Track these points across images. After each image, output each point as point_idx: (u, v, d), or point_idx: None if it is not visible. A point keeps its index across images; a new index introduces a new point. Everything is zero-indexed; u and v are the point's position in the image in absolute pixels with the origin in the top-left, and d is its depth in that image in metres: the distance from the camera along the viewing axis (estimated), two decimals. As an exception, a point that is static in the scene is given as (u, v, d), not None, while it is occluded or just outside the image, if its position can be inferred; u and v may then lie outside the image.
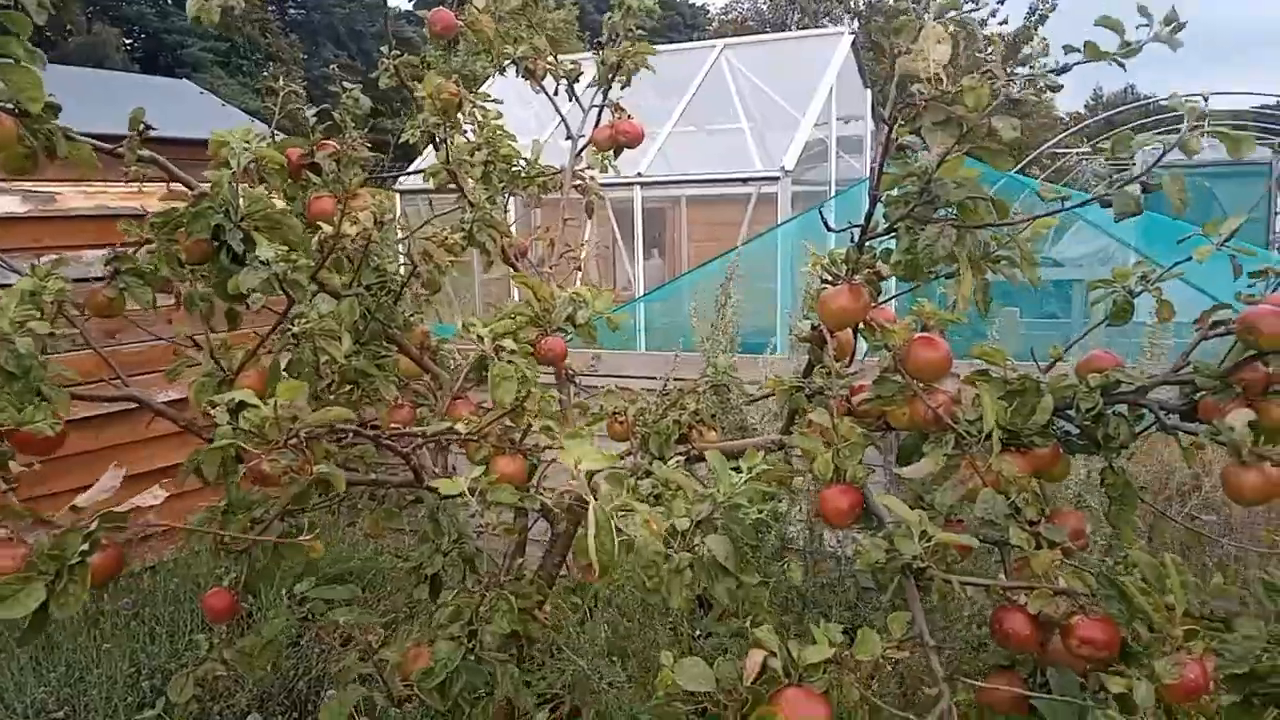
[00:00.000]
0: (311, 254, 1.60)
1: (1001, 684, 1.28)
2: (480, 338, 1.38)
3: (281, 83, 2.02)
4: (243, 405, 1.28)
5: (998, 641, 1.20)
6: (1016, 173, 7.05)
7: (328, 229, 1.54)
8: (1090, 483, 2.79)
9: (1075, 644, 1.13)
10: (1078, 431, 1.63)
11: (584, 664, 1.87)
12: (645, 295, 6.02)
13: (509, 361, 1.36)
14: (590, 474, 1.05)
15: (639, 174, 7.43)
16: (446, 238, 1.76)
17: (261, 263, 1.52)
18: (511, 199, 2.44)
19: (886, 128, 1.29)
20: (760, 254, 5.82)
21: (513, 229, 2.44)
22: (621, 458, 2.16)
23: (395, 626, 1.68)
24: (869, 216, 1.44)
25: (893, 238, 1.45)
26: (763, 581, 1.55)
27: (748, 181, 7.02)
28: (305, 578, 1.89)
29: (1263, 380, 1.43)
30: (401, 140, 2.09)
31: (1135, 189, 1.24)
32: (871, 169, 1.42)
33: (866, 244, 1.49)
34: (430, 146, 2.20)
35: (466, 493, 1.39)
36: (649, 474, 1.58)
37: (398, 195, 8.17)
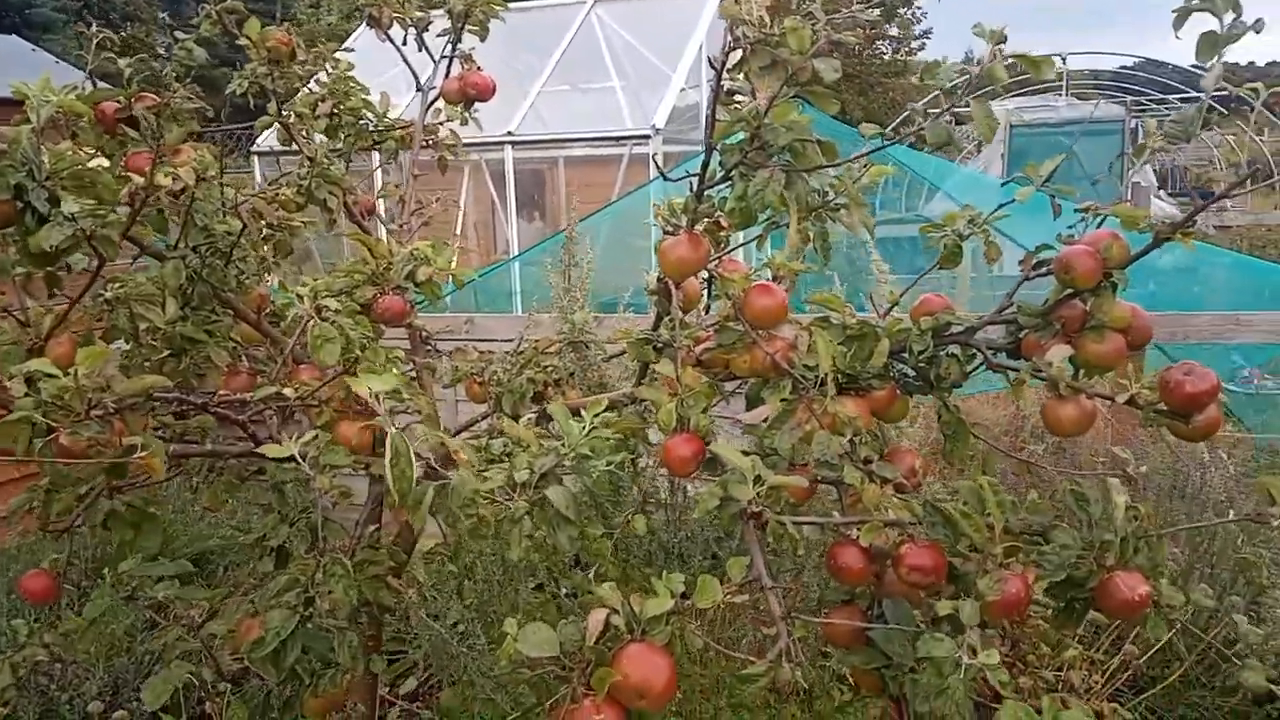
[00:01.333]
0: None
1: (842, 618, 1.32)
2: (300, 297, 1.32)
3: (95, 28, 1.87)
4: (42, 375, 1.19)
5: (833, 576, 1.23)
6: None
7: (138, 180, 1.44)
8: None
9: (905, 572, 1.17)
10: (914, 373, 1.68)
11: (443, 630, 1.84)
12: (517, 256, 5.92)
13: (331, 322, 1.30)
14: (380, 395, 1.01)
15: (509, 133, 7.28)
16: (277, 194, 1.67)
17: (66, 218, 1.41)
18: (389, 160, 2.34)
19: (715, 73, 1.28)
20: (632, 212, 5.81)
21: (382, 188, 2.35)
22: (480, 419, 2.13)
23: (226, 601, 1.62)
24: (705, 165, 1.44)
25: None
26: (607, 533, 1.55)
27: (620, 141, 6.97)
28: (160, 558, 1.80)
29: (1079, 317, 1.50)
30: (229, 91, 1.97)
31: (948, 120, 1.26)
32: (707, 117, 1.41)
33: (706, 193, 1.49)
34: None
35: (297, 457, 1.34)
36: (502, 433, 1.56)
37: (256, 157, 7.79)
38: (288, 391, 1.31)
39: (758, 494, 1.17)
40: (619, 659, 1.09)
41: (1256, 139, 15.86)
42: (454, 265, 1.59)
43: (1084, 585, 1.21)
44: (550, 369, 1.94)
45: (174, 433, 1.72)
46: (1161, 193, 15.69)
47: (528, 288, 5.22)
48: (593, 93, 7.92)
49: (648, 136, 6.91)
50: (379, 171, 3.16)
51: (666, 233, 1.48)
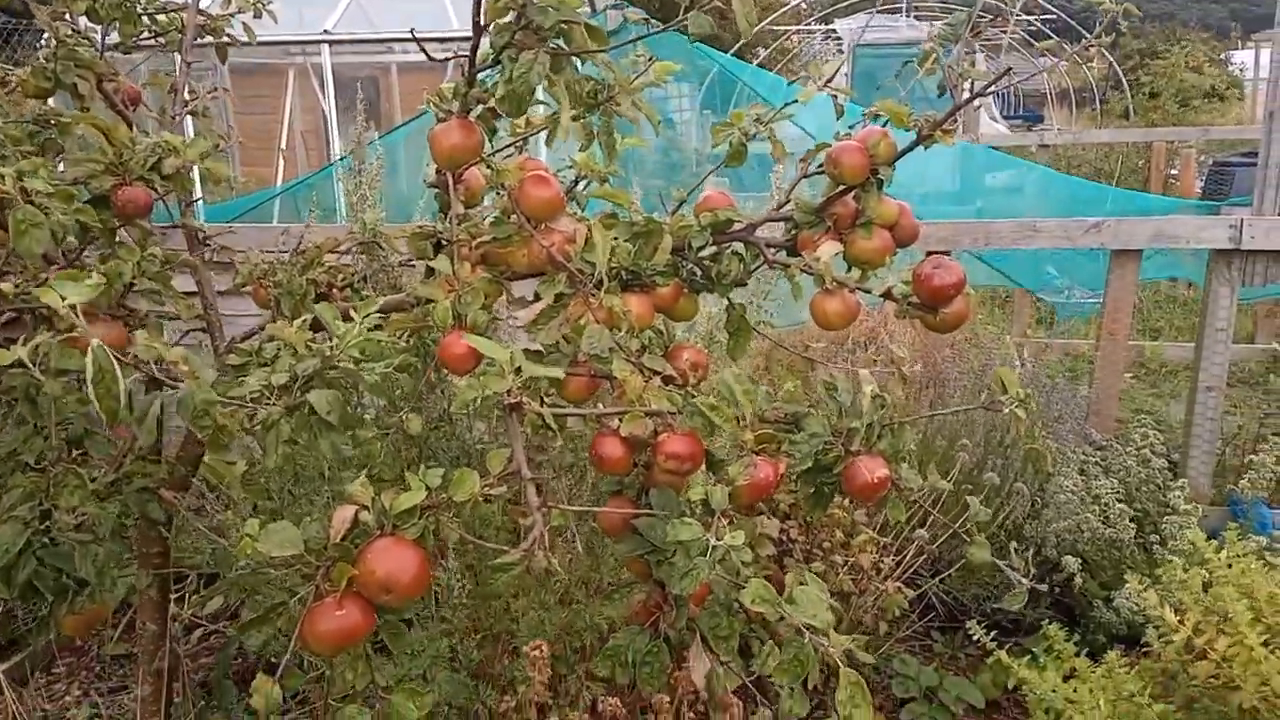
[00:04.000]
0: None
1: (613, 507, 1.33)
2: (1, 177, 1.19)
3: None
4: None
5: (595, 466, 1.24)
6: (735, 54, 7.19)
7: None
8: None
9: (663, 459, 1.18)
10: (700, 272, 1.69)
11: (225, 541, 1.77)
12: (339, 161, 5.63)
13: (40, 206, 1.18)
14: (75, 306, 0.94)
15: (325, 31, 6.82)
16: (5, 76, 1.50)
17: None
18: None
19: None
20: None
21: (149, 78, 2.15)
22: (262, 327, 2.03)
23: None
24: (474, 47, 1.37)
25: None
26: (382, 433, 1.51)
27: (445, 42, 6.67)
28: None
29: (851, 214, 1.53)
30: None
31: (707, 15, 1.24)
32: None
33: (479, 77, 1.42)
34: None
35: (26, 362, 1.23)
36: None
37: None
38: (4, 287, 1.19)
39: (517, 385, 1.15)
40: (365, 554, 1.06)
41: (1084, 65, 16.73)
42: (209, 160, 1.48)
43: (831, 470, 1.25)
44: (335, 270, 1.85)
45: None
46: (996, 114, 16.38)
47: (355, 201, 4.99)
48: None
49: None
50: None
51: (438, 119, 1.42)
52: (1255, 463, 3.05)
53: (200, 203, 4.47)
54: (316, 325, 1.55)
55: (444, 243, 1.56)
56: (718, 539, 1.11)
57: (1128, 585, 1.65)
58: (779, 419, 1.30)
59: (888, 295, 1.40)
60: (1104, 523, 2.91)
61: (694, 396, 1.19)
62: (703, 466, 1.24)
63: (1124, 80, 16.50)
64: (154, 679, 2.05)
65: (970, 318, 1.37)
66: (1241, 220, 3.20)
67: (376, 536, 1.09)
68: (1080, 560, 2.84)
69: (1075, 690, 1.53)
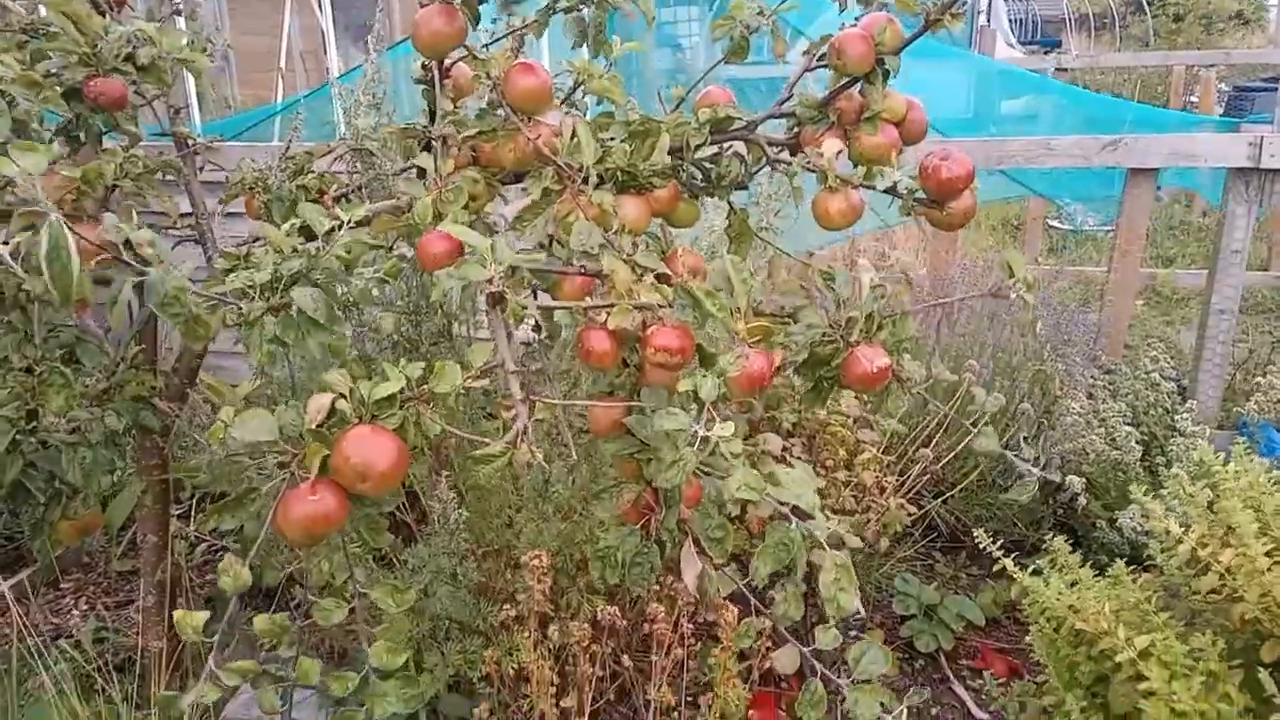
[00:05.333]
0: None
1: (601, 409, 1.30)
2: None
3: None
4: None
5: (583, 361, 1.20)
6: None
7: None
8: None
9: (653, 353, 1.15)
10: (700, 175, 1.64)
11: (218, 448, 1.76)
12: (339, 79, 5.51)
13: (4, 94, 1.13)
14: (31, 177, 0.90)
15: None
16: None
17: None
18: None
19: None
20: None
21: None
22: (255, 239, 1.99)
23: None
24: (459, -72, 1.30)
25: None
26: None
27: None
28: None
29: (856, 109, 1.47)
30: None
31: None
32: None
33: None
34: None
35: (6, 258, 1.19)
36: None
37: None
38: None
39: (497, 274, 1.11)
40: (341, 441, 1.04)
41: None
42: (190, 51, 1.42)
43: (830, 363, 1.22)
44: (327, 178, 1.81)
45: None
46: (1013, 39, 15.96)
47: (349, 106, 4.88)
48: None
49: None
50: None
51: (422, 4, 1.36)
52: (1264, 384, 3.00)
53: (198, 122, 4.40)
54: (309, 235, 1.51)
55: (432, 141, 1.51)
56: (707, 430, 1.08)
57: (1133, 501, 1.62)
58: (775, 312, 1.26)
59: (892, 191, 1.34)
60: (1110, 444, 2.88)
61: (683, 284, 1.15)
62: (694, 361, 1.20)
63: (1146, 2, 16.03)
64: (157, 591, 2.06)
65: (975, 213, 1.32)
66: (1262, 138, 3.10)
67: (354, 425, 1.06)
68: (1085, 482, 2.82)
69: (1079, 598, 1.51)
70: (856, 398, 2.66)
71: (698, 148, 1.48)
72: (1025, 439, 1.27)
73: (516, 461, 1.07)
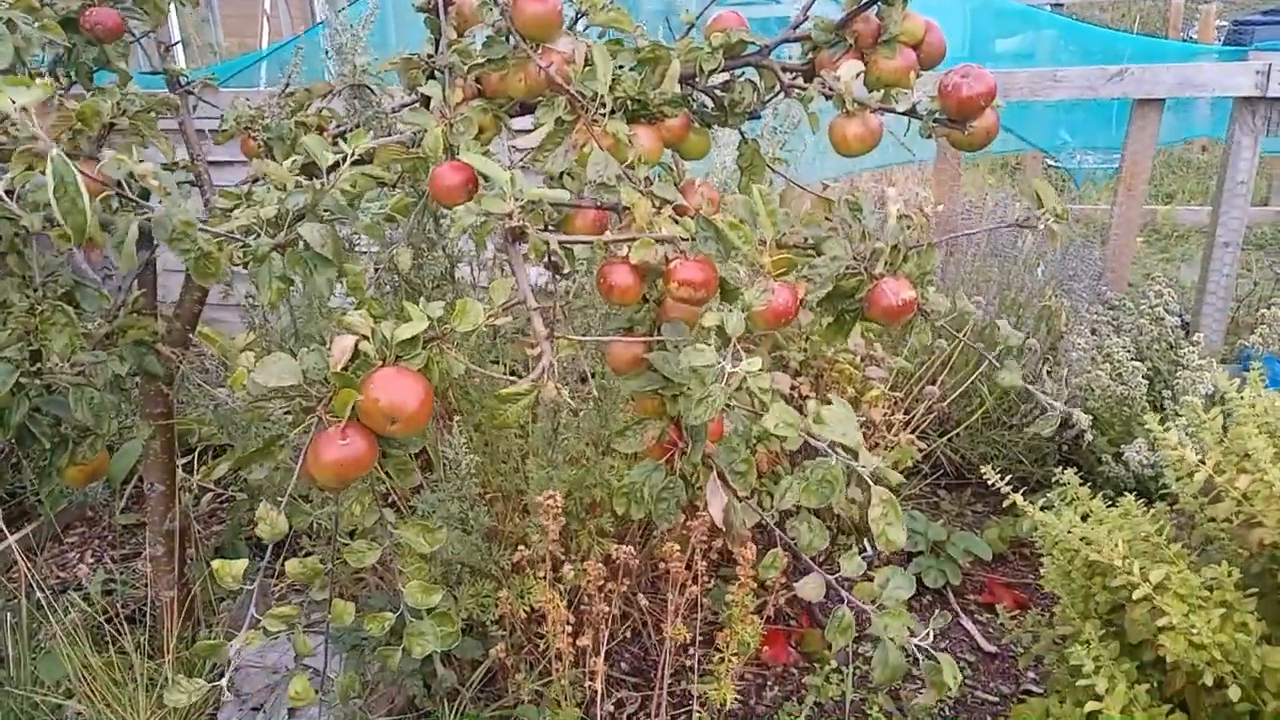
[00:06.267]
0: None
1: (624, 345, 1.28)
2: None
3: None
4: None
5: (604, 296, 1.17)
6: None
7: None
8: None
9: (675, 286, 1.12)
10: (711, 104, 1.60)
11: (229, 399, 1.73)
12: (309, 30, 5.39)
13: (4, 19, 1.08)
14: (25, 108, 0.85)
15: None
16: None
17: None
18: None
19: None
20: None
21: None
22: (255, 180, 1.94)
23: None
24: None
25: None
26: (376, 267, 1.45)
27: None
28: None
29: (873, 32, 1.42)
30: None
31: None
32: None
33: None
34: None
35: (2, 196, 1.16)
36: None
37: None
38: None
39: (519, 208, 1.08)
40: (368, 384, 1.01)
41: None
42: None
43: (853, 296, 1.19)
44: (327, 116, 1.76)
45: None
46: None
47: (345, 42, 4.76)
48: None
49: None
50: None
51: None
52: (1268, 317, 2.99)
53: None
54: (309, 172, 1.47)
55: (437, 71, 1.46)
56: (733, 366, 1.06)
57: (1144, 432, 1.61)
58: (797, 244, 1.23)
59: (912, 113, 1.31)
60: (1115, 379, 2.88)
61: (707, 215, 1.11)
62: (717, 295, 1.18)
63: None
64: (165, 540, 2.05)
65: (998, 132, 1.29)
66: (1270, 65, 3.06)
67: (379, 366, 1.04)
68: (1091, 417, 2.82)
69: (1093, 529, 1.51)
70: (864, 334, 2.65)
71: (711, 73, 1.43)
72: (1049, 372, 1.25)
73: (543, 398, 1.05)
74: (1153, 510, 1.71)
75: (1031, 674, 2.40)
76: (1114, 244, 3.62)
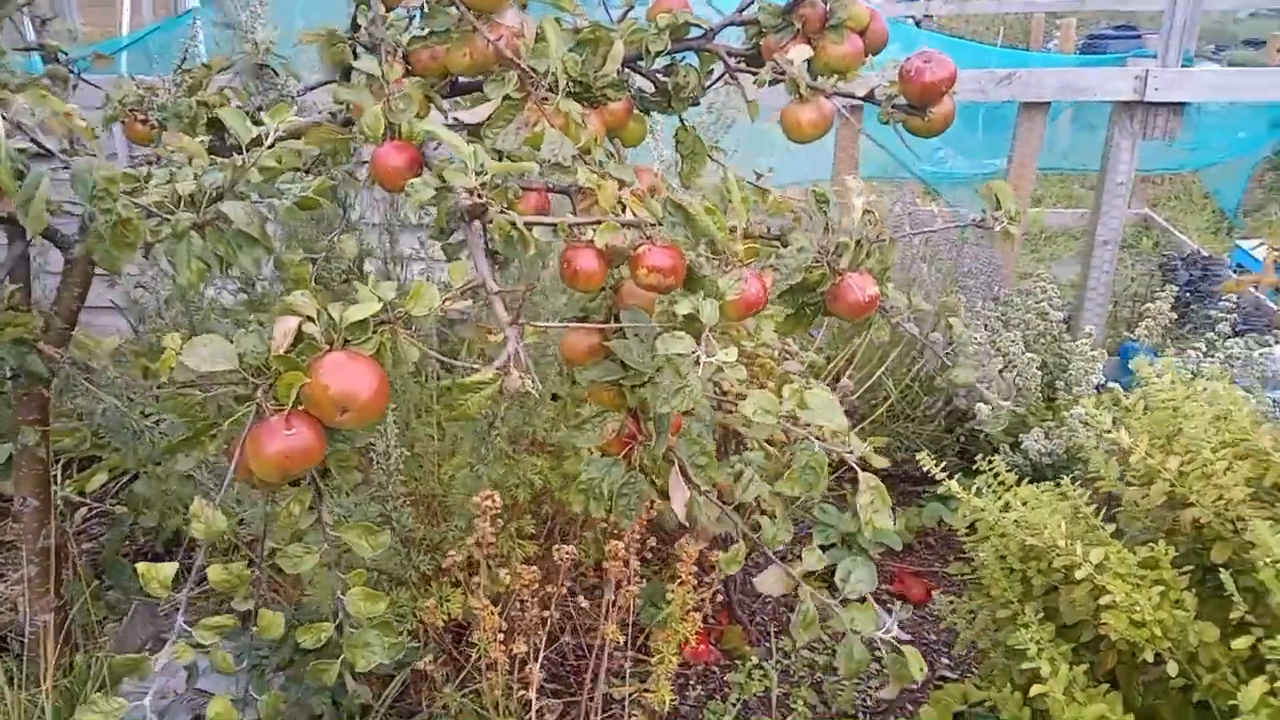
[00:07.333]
0: None
1: (579, 334, 1.21)
2: None
3: None
4: None
5: (568, 282, 1.10)
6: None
7: None
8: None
9: (643, 273, 1.06)
10: (653, 89, 1.55)
11: (116, 402, 1.58)
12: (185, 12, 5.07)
13: None
14: None
15: None
16: None
17: None
18: None
19: None
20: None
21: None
22: (149, 160, 1.78)
23: None
24: None
25: None
26: (309, 257, 1.35)
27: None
28: None
29: (820, 17, 1.40)
30: None
31: None
32: None
33: None
34: None
35: None
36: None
37: None
38: None
39: (480, 184, 1.00)
40: (316, 369, 0.92)
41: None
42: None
43: (815, 289, 1.17)
44: (228, 97, 1.62)
45: None
46: (876, -12, 16.25)
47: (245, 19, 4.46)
48: None
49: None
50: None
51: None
52: (1152, 309, 3.16)
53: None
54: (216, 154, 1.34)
55: (366, 47, 1.36)
56: (708, 355, 1.02)
57: (1086, 412, 1.65)
58: (763, 234, 1.19)
59: (869, 98, 1.29)
60: (1010, 371, 2.98)
61: (676, 199, 1.06)
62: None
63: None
64: (40, 558, 1.86)
65: (954, 118, 1.29)
66: (1147, 71, 3.23)
67: (327, 351, 0.94)
68: (990, 408, 2.91)
69: (1031, 512, 1.53)
70: (776, 329, 2.66)
71: (658, 55, 1.39)
72: (1001, 371, 1.26)
73: (507, 388, 0.98)
74: (1076, 493, 1.75)
75: (945, 660, 2.45)
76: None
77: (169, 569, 0.90)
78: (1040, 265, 5.75)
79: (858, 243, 1.18)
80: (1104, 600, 1.39)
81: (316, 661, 1.05)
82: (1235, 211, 6.62)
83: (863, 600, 1.22)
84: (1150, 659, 1.37)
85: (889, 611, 2.77)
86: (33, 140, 0.90)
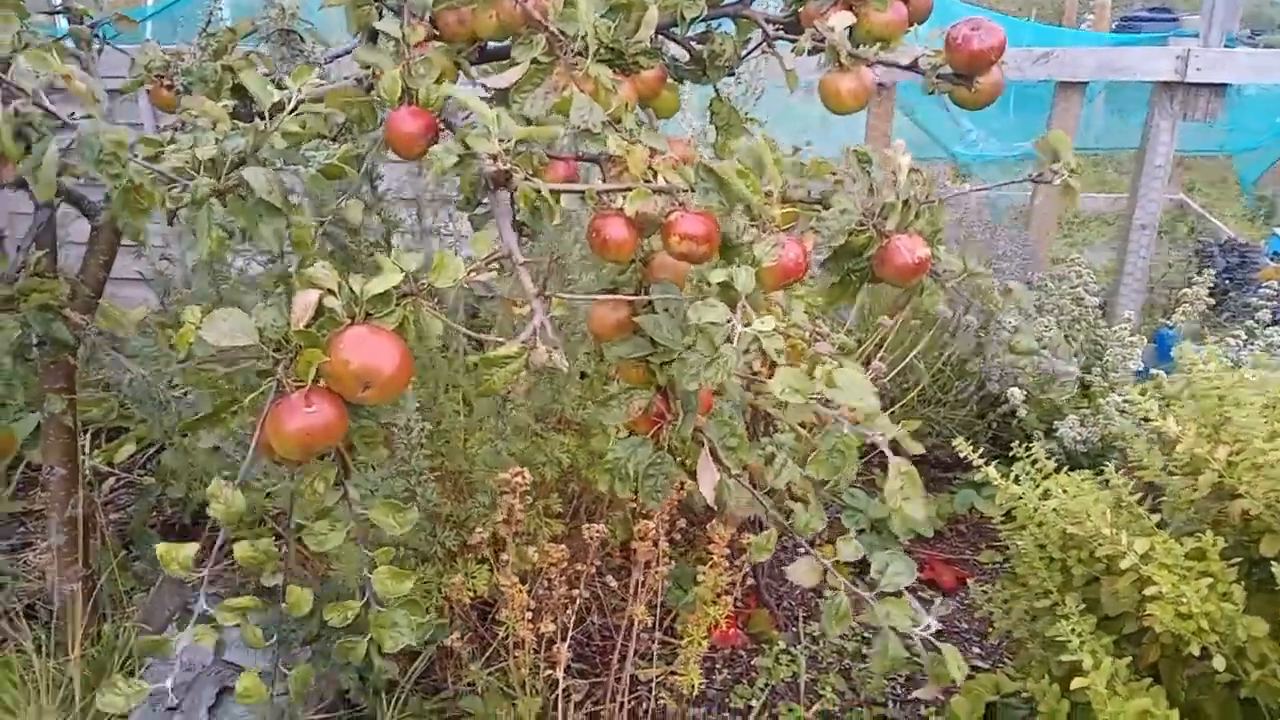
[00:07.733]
0: None
1: (607, 308, 1.17)
2: None
3: None
4: None
5: (598, 252, 1.07)
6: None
7: None
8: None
9: (676, 241, 1.02)
10: (687, 57, 1.50)
11: (143, 372, 1.56)
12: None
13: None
14: None
15: None
16: None
17: None
18: None
19: None
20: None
21: None
22: (177, 126, 1.76)
23: None
24: None
25: None
26: (322, 221, 1.32)
27: None
28: None
29: (861, -18, 1.35)
30: None
31: None
32: None
33: None
34: None
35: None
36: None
37: None
38: None
39: (504, 150, 0.96)
40: (336, 344, 0.89)
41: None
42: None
43: (862, 254, 1.12)
44: (255, 61, 1.59)
45: None
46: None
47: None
48: None
49: None
50: None
51: None
52: (1189, 295, 3.08)
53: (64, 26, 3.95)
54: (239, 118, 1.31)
55: (392, 9, 1.33)
56: (744, 325, 0.97)
57: (1128, 399, 1.60)
58: (802, 198, 1.15)
59: (913, 67, 1.24)
60: (1045, 357, 2.91)
61: (709, 164, 1.02)
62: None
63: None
64: (68, 527, 1.86)
65: (1003, 90, 1.23)
66: (1189, 50, 3.13)
67: (348, 325, 0.91)
68: (1024, 393, 2.85)
69: (1073, 500, 1.48)
70: (807, 309, 2.60)
71: (693, 21, 1.34)
72: (1067, 337, 1.21)
73: (533, 363, 0.94)
74: (1120, 481, 1.70)
75: (977, 649, 2.40)
76: (1036, 227, 3.68)
77: (189, 549, 0.88)
78: (1074, 250, 5.65)
79: (905, 203, 1.13)
80: (1149, 591, 1.34)
81: (344, 639, 1.03)
82: (1250, 187, 6.46)
83: (898, 594, 1.17)
84: (1196, 653, 1.32)
85: (921, 601, 2.73)
86: (35, 104, 0.87)
